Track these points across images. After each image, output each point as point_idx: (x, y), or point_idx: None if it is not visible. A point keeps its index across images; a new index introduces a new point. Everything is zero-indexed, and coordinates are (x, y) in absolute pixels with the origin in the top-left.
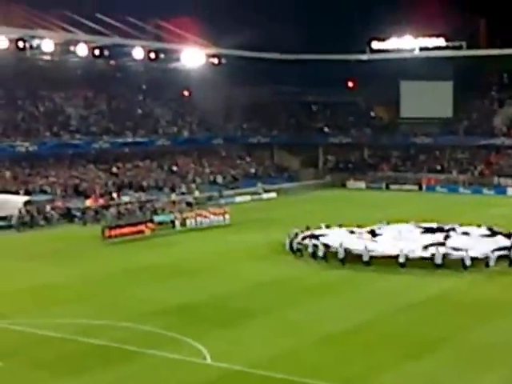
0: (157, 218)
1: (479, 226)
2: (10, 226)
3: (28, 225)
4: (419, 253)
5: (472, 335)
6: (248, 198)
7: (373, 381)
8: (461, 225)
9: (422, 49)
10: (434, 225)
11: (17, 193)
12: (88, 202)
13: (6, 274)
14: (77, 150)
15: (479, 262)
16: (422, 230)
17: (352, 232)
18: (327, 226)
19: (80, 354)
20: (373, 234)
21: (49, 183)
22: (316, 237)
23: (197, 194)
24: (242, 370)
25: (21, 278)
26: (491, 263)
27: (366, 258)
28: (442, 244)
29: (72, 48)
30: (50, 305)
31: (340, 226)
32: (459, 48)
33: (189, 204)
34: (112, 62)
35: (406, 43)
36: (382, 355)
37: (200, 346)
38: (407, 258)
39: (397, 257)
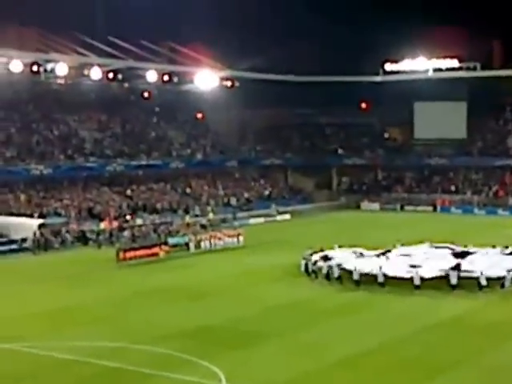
0: (171, 241)
1: (494, 246)
2: (24, 249)
3: (42, 248)
4: (434, 273)
5: (487, 357)
6: (262, 219)
7: None
8: (475, 245)
9: (435, 70)
10: (449, 245)
11: (31, 216)
12: (102, 225)
13: (21, 296)
14: (91, 173)
15: (494, 283)
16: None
17: (361, 254)
18: (340, 247)
19: (95, 376)
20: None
21: (63, 206)
22: (330, 258)
23: (211, 216)
24: None
25: (36, 300)
26: (507, 284)
27: (380, 280)
28: (458, 265)
29: (86, 71)
30: (66, 327)
31: (354, 246)
32: (473, 69)
33: (203, 226)
34: (126, 85)
35: (419, 65)
36: (397, 378)
37: (215, 368)
38: (422, 279)
39: (411, 279)
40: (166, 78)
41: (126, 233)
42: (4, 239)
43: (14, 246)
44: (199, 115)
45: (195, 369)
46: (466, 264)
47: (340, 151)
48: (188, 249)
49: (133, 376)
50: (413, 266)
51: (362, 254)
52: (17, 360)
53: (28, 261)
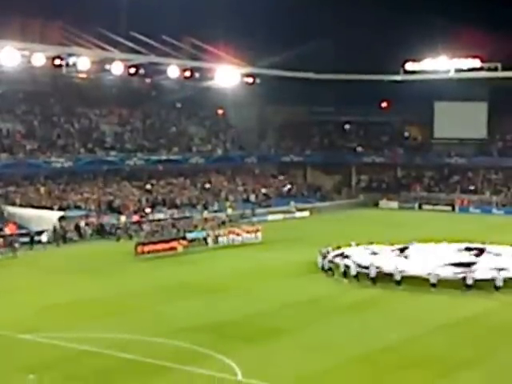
0: (189, 235)
1: None
2: (44, 241)
3: (62, 240)
4: (450, 273)
5: (503, 357)
6: (280, 216)
7: None
8: (492, 244)
9: (456, 70)
10: (466, 245)
11: (51, 208)
12: (121, 219)
13: (39, 288)
14: (111, 167)
15: (511, 283)
16: (454, 249)
17: (378, 252)
18: (357, 245)
19: (112, 368)
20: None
21: (83, 199)
22: (347, 256)
23: (229, 211)
24: None
25: (54, 292)
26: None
27: (397, 278)
28: (473, 264)
29: (107, 66)
30: (83, 319)
31: (371, 244)
32: (494, 69)
33: (222, 222)
34: (147, 80)
35: (440, 64)
36: (413, 375)
37: (231, 362)
38: (438, 278)
39: (428, 277)
40: (187, 73)
41: (145, 227)
42: (24, 231)
43: (33, 238)
44: (220, 111)
45: (211, 362)
46: (482, 264)
47: (359, 149)
48: (206, 244)
49: (148, 368)
50: (430, 265)
51: (378, 252)
52: (33, 351)
53: (47, 253)
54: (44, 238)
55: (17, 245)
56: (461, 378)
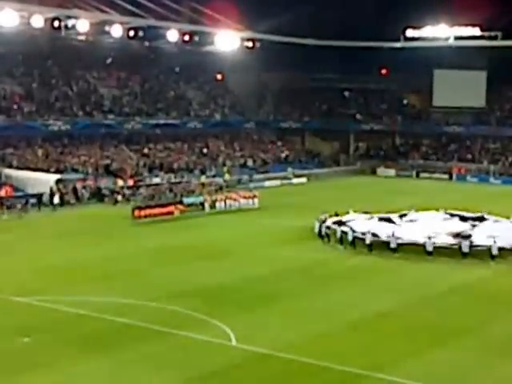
0: (187, 200)
1: (508, 217)
2: (41, 204)
3: (59, 203)
4: (446, 240)
5: (497, 325)
6: (278, 182)
7: (398, 368)
8: (489, 214)
9: (456, 38)
10: (463, 213)
11: (48, 171)
12: (119, 182)
13: (35, 251)
14: (109, 130)
15: (507, 252)
16: (449, 217)
17: (375, 219)
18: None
19: (107, 332)
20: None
21: (80, 162)
22: (344, 222)
23: (227, 176)
24: (267, 353)
25: (49, 255)
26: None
27: (393, 245)
28: (469, 234)
29: (107, 28)
30: (78, 282)
31: (368, 211)
32: (494, 38)
33: (219, 187)
34: (146, 44)
35: (440, 32)
36: (408, 343)
37: (226, 327)
38: (434, 246)
39: (424, 244)
40: (186, 37)
41: (142, 191)
42: (20, 193)
43: (30, 201)
44: (219, 76)
45: (206, 328)
46: (478, 232)
47: (358, 116)
48: (203, 209)
49: (143, 332)
50: (426, 233)
51: (375, 219)
52: (30, 313)
53: (44, 216)
54: (41, 200)
55: (18, 206)
56: (454, 345)
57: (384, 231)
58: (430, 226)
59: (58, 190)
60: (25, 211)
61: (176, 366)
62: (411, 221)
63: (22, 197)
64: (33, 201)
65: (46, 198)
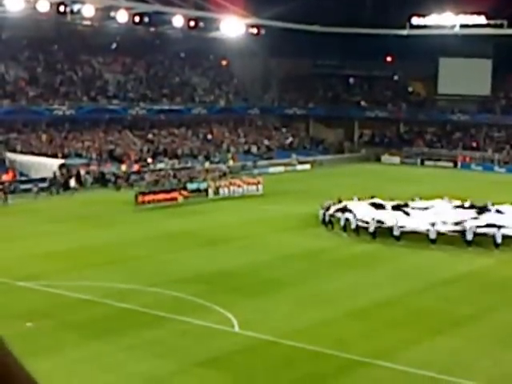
0: (190, 186)
1: None
2: (44, 189)
3: (62, 188)
4: (450, 228)
5: (500, 313)
6: (282, 168)
7: (400, 355)
8: (494, 203)
9: (462, 26)
10: (468, 202)
11: (52, 156)
12: (122, 168)
13: (38, 236)
14: (113, 116)
15: (511, 241)
16: (454, 205)
17: (379, 206)
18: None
19: (109, 317)
20: (403, 208)
21: (84, 147)
22: (348, 210)
23: (231, 163)
24: (270, 339)
25: (53, 240)
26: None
27: (396, 233)
28: (474, 220)
29: (112, 14)
30: (81, 268)
31: (372, 198)
32: (500, 26)
33: (223, 173)
34: (151, 29)
35: (446, 20)
36: (410, 330)
37: (229, 314)
38: (438, 234)
39: (427, 232)
40: (192, 23)
41: (146, 176)
42: (24, 178)
43: (33, 186)
44: (224, 62)
45: (208, 314)
46: (482, 220)
47: (363, 103)
48: (207, 195)
49: (145, 318)
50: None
51: (379, 206)
52: (32, 298)
53: (47, 201)
54: (43, 185)
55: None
56: (457, 333)
57: (388, 219)
58: (434, 215)
59: (62, 175)
60: (36, 195)
61: (178, 351)
62: (424, 208)
63: (32, 181)
64: (41, 185)
65: (48, 183)
